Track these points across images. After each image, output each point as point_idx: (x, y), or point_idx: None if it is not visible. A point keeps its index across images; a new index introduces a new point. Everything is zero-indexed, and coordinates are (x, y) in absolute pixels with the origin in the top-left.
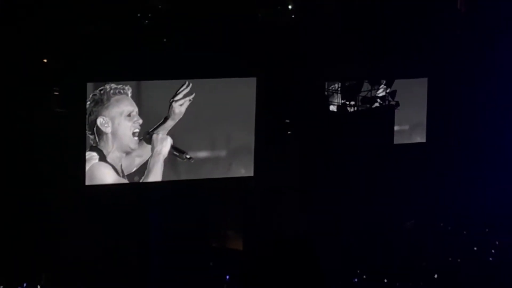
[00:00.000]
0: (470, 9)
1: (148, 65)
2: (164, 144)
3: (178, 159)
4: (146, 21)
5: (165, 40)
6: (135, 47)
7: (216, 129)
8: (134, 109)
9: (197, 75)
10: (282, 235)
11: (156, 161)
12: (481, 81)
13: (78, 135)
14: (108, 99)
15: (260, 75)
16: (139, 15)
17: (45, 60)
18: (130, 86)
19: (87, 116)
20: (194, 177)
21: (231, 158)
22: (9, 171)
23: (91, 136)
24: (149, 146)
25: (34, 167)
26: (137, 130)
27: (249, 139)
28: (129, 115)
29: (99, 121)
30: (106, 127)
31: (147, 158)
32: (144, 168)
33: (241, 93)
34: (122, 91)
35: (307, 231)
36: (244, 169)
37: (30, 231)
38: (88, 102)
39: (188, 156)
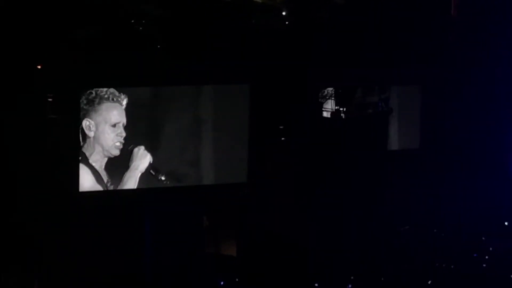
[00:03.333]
0: (464, 15)
1: (141, 72)
2: (142, 160)
3: (153, 178)
4: (140, 28)
5: (158, 46)
6: (129, 53)
7: (209, 135)
8: (122, 120)
9: (189, 82)
10: (276, 241)
11: (131, 175)
12: (475, 87)
13: (72, 142)
14: (100, 103)
15: (253, 82)
16: (133, 21)
17: (39, 66)
18: (127, 95)
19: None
20: (187, 184)
21: (224, 165)
22: (1, 177)
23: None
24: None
25: (27, 174)
26: (118, 143)
27: (242, 145)
28: (114, 126)
29: (84, 123)
30: (89, 130)
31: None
32: (116, 182)
33: (234, 100)
34: (116, 99)
35: (301, 237)
36: (237, 176)
37: (21, 238)
38: (82, 100)
39: (162, 178)
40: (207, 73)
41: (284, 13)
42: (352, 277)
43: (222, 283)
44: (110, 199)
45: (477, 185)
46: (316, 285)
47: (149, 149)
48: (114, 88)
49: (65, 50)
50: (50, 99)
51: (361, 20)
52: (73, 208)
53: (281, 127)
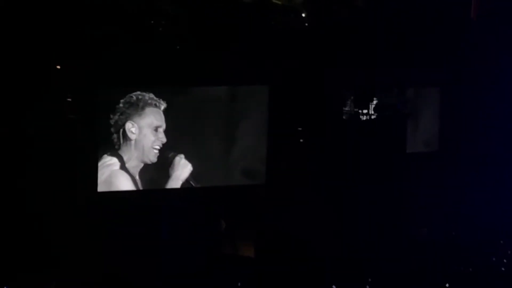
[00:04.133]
0: (483, 17)
1: (161, 72)
2: (185, 170)
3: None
4: (160, 28)
5: (178, 47)
6: (148, 54)
7: (228, 137)
8: (162, 125)
9: (209, 83)
10: (294, 243)
11: (174, 185)
12: (495, 90)
13: (91, 142)
14: (143, 108)
15: (273, 83)
16: (152, 22)
17: (58, 67)
18: (165, 101)
19: (116, 116)
20: (205, 185)
21: (243, 166)
22: (21, 178)
23: (115, 138)
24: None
25: (46, 174)
26: (158, 146)
27: (261, 147)
28: (156, 130)
29: (128, 125)
30: (132, 133)
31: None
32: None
33: (253, 101)
34: (157, 104)
35: (319, 239)
36: (256, 177)
37: (41, 237)
38: (122, 103)
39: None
40: (225, 74)
41: (303, 15)
42: (369, 279)
43: (239, 284)
44: (128, 200)
45: (496, 188)
46: (334, 287)
47: (189, 157)
48: (136, 88)
49: (83, 51)
50: (69, 100)
51: (380, 23)
52: (91, 209)
53: (300, 128)
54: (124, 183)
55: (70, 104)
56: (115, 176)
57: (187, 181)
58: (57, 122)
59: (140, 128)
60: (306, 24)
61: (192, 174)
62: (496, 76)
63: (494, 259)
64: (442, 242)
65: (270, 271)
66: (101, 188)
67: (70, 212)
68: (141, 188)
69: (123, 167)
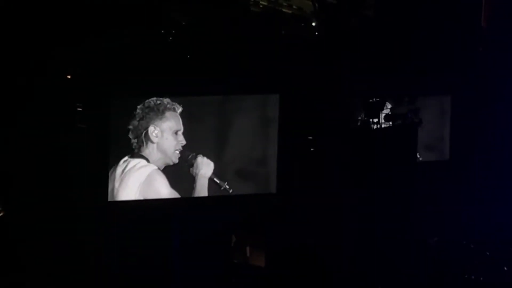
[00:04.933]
0: (494, 26)
1: (172, 82)
2: (208, 168)
3: (217, 185)
4: (170, 38)
5: (188, 56)
6: (159, 63)
7: (239, 145)
8: (181, 128)
9: (220, 92)
10: (305, 252)
11: (203, 183)
12: (506, 99)
13: (101, 152)
14: (163, 112)
15: (283, 92)
16: (163, 31)
17: (68, 76)
18: (181, 104)
19: (135, 121)
20: (217, 194)
21: (254, 175)
22: (32, 188)
23: (134, 142)
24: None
25: (57, 184)
26: (179, 149)
27: (272, 156)
28: (176, 133)
29: (151, 129)
30: (155, 137)
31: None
32: (189, 188)
33: (264, 110)
34: (175, 108)
35: (330, 247)
36: (267, 186)
37: (53, 247)
38: (140, 107)
39: (227, 186)
40: (236, 84)
41: (314, 24)
42: (379, 287)
43: None
44: (139, 209)
45: (507, 197)
46: None
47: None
48: (144, 97)
49: (94, 60)
50: (79, 109)
51: (390, 31)
52: (102, 218)
53: (310, 137)
54: (163, 184)
55: (80, 113)
56: (153, 176)
57: (211, 179)
58: (67, 132)
59: (162, 132)
60: (316, 33)
61: (214, 172)
62: (509, 84)
63: (504, 267)
64: (453, 251)
65: (281, 281)
66: (140, 191)
67: (81, 221)
68: (176, 187)
69: (153, 167)
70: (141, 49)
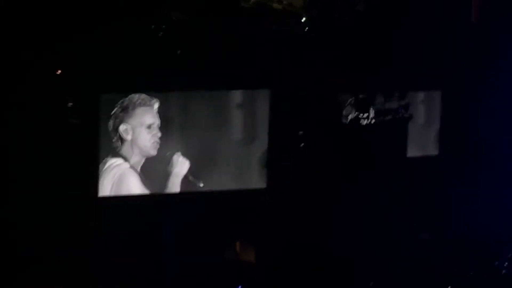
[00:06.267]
0: (484, 21)
1: (162, 77)
2: (183, 167)
3: (191, 184)
4: (161, 33)
5: (179, 52)
6: (149, 58)
7: (229, 140)
8: (156, 122)
9: (211, 87)
10: (295, 247)
11: (175, 182)
12: (496, 93)
13: (92, 147)
14: (133, 109)
15: (274, 87)
16: (153, 27)
17: (59, 72)
18: (158, 99)
19: (112, 121)
20: (206, 189)
21: (244, 170)
22: (21, 184)
23: (115, 141)
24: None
25: (47, 180)
26: (155, 141)
27: (262, 151)
28: (149, 127)
29: (122, 127)
30: (127, 134)
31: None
32: (161, 186)
33: (254, 105)
34: (148, 103)
35: (320, 243)
36: (257, 181)
37: (42, 242)
38: (117, 107)
39: (201, 185)
40: (227, 79)
41: (304, 19)
42: (371, 284)
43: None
44: (128, 205)
45: (497, 192)
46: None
47: (185, 155)
48: (139, 93)
49: (84, 55)
50: (70, 104)
51: (381, 26)
52: (92, 214)
53: (301, 132)
54: (133, 182)
55: (71, 109)
56: (124, 175)
57: (185, 177)
58: (57, 127)
59: (133, 128)
60: (307, 28)
61: (190, 171)
62: (499, 79)
63: (494, 262)
64: (442, 247)
65: (272, 277)
66: (114, 189)
67: (70, 217)
68: (149, 184)
69: (129, 165)
70: (131, 45)
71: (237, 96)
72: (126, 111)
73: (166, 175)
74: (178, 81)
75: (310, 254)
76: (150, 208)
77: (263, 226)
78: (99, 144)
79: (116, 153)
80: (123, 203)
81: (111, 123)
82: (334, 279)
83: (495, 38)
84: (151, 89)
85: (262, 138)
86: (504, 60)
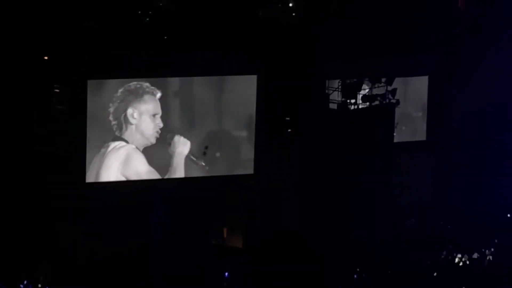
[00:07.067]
0: (470, 7)
1: (149, 63)
2: (185, 146)
3: (193, 163)
4: (147, 19)
5: (165, 38)
6: (136, 44)
7: (216, 126)
8: (159, 112)
9: (198, 73)
10: (282, 232)
11: (179, 160)
12: (482, 79)
13: (79, 132)
14: (142, 95)
15: (261, 73)
16: (140, 12)
17: (46, 58)
18: (160, 89)
19: (115, 104)
20: (195, 175)
21: (232, 156)
22: (10, 169)
23: (115, 124)
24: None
25: (35, 165)
26: (157, 131)
27: (250, 137)
28: (154, 116)
29: (129, 111)
30: (133, 118)
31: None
32: (166, 166)
33: (241, 91)
34: (154, 92)
35: (307, 228)
36: (245, 167)
37: (31, 229)
38: (121, 90)
39: (203, 163)
40: (214, 64)
41: (290, 5)
42: (358, 269)
43: (226, 274)
44: (117, 191)
45: (483, 179)
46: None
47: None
48: (122, 78)
49: (72, 41)
50: (57, 90)
51: (368, 14)
52: (80, 199)
53: (288, 118)
54: (140, 161)
55: (58, 94)
56: (130, 156)
57: (187, 158)
58: (45, 113)
59: (140, 114)
60: (294, 14)
61: (191, 151)
62: (484, 66)
63: (479, 248)
64: (429, 232)
65: (258, 261)
66: (120, 169)
67: (59, 203)
68: (154, 164)
69: (133, 147)
70: (118, 30)
71: (223, 82)
72: (135, 95)
73: (169, 156)
74: (166, 67)
75: (296, 240)
76: (138, 194)
77: (251, 212)
78: (86, 130)
79: (117, 137)
80: (110, 189)
81: (112, 106)
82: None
83: (482, 25)
84: (139, 75)
85: (250, 124)
86: (491, 46)
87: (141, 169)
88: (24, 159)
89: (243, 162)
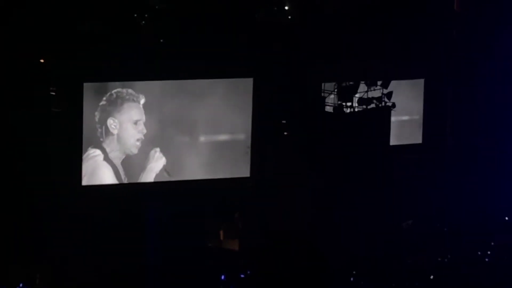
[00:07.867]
0: (466, 9)
1: (145, 66)
2: (158, 163)
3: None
4: (143, 22)
5: (162, 40)
6: (132, 47)
7: (212, 129)
8: (142, 118)
9: (194, 76)
10: (278, 235)
11: (147, 177)
12: (478, 82)
13: (75, 135)
14: (122, 103)
15: (257, 76)
16: (136, 15)
17: (42, 60)
18: (144, 95)
19: (99, 112)
20: (190, 178)
21: (227, 159)
22: (4, 171)
23: (99, 132)
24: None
25: (30, 168)
26: (140, 138)
27: (246, 140)
28: (135, 123)
29: (109, 121)
30: (114, 128)
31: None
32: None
33: (237, 94)
34: (135, 99)
35: (303, 231)
36: (241, 170)
37: (25, 231)
38: (104, 100)
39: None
40: (210, 68)
41: (286, 8)
42: (354, 272)
43: (223, 277)
44: (113, 194)
45: (479, 180)
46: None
47: (164, 150)
48: (118, 81)
49: (68, 44)
50: (53, 93)
51: (364, 16)
52: (75, 202)
53: (284, 121)
54: (107, 174)
55: (54, 97)
56: (98, 167)
57: (160, 173)
58: (41, 115)
59: (120, 123)
60: (290, 17)
61: (166, 167)
62: (480, 68)
63: (476, 249)
64: (426, 234)
65: (256, 264)
66: (86, 179)
67: (54, 205)
68: (123, 177)
69: (106, 158)
70: (114, 33)
71: (220, 85)
72: (115, 105)
73: (142, 169)
74: (162, 70)
75: (292, 242)
76: (134, 196)
77: (247, 214)
78: (82, 133)
79: (97, 145)
80: (107, 191)
81: (97, 114)
82: (318, 265)
83: (478, 26)
84: (134, 78)
85: (246, 127)
86: (487, 48)
87: (106, 182)
88: (19, 162)
89: (239, 165)
